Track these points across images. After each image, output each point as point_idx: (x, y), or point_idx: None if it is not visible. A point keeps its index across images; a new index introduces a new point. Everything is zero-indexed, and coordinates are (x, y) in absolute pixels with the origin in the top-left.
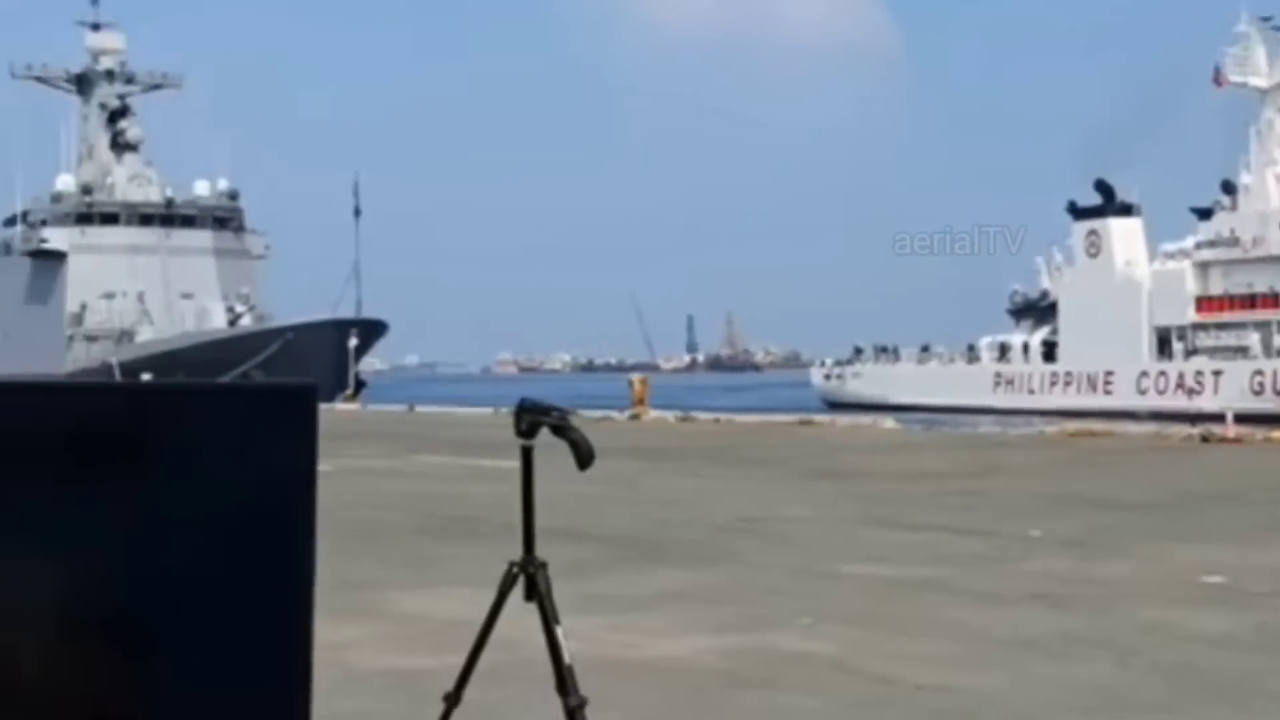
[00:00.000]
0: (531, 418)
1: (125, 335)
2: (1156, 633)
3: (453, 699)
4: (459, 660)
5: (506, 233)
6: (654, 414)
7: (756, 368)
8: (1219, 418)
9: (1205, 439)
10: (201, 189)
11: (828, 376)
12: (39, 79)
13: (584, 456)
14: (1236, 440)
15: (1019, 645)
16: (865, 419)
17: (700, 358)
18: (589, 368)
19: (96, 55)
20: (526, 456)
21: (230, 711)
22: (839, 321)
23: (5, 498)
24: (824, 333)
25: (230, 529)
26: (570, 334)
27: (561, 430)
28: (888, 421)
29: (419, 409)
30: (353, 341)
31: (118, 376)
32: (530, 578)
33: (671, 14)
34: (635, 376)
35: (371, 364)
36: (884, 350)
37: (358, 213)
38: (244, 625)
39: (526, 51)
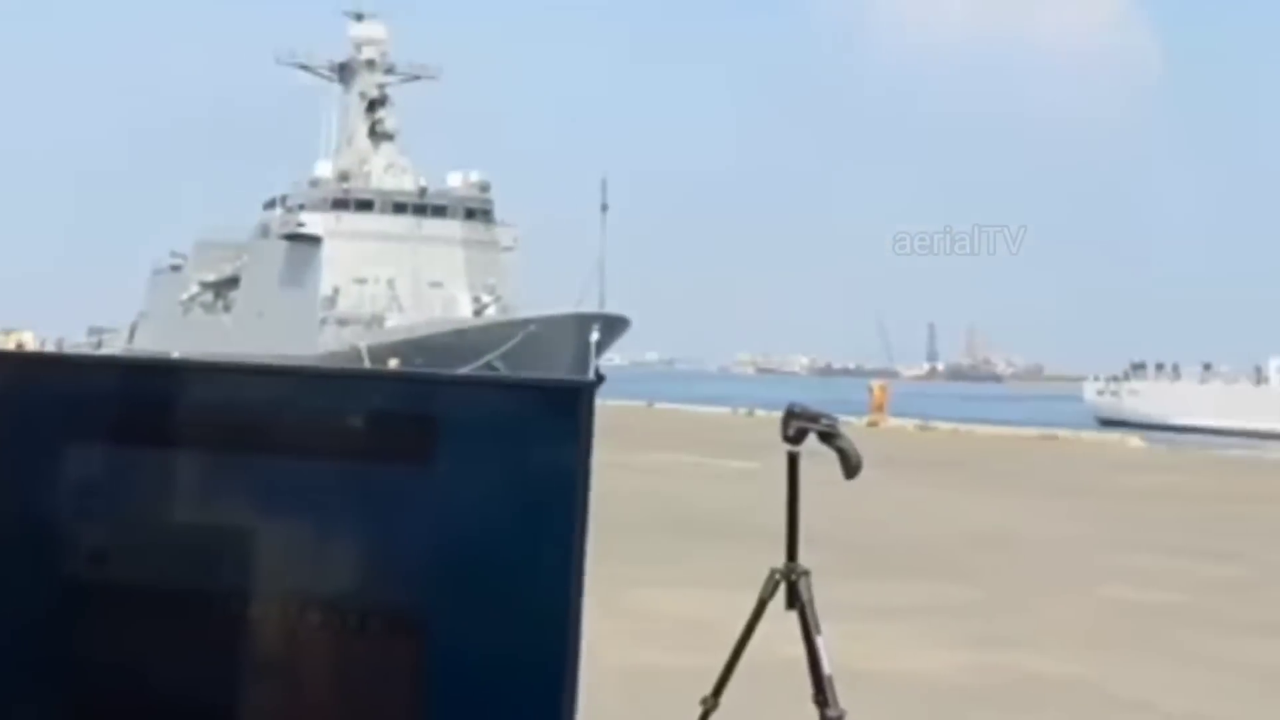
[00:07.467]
0: (800, 423)
1: (375, 321)
2: None
3: (710, 704)
4: (704, 660)
5: (748, 231)
6: (893, 422)
7: (997, 378)
8: None
9: None
10: (454, 180)
11: (1100, 392)
12: (303, 66)
13: (852, 466)
14: None
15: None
16: (1112, 436)
17: (940, 366)
18: (827, 371)
19: (359, 45)
20: (793, 462)
21: (501, 702)
22: (1084, 335)
23: (303, 481)
24: (1069, 346)
25: (510, 520)
26: (808, 337)
27: (829, 438)
28: (1134, 440)
29: (657, 405)
30: (594, 336)
31: (366, 361)
32: (792, 585)
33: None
34: (875, 382)
35: (610, 359)
36: (1160, 367)
37: (604, 208)
38: (517, 616)
39: (771, 52)
